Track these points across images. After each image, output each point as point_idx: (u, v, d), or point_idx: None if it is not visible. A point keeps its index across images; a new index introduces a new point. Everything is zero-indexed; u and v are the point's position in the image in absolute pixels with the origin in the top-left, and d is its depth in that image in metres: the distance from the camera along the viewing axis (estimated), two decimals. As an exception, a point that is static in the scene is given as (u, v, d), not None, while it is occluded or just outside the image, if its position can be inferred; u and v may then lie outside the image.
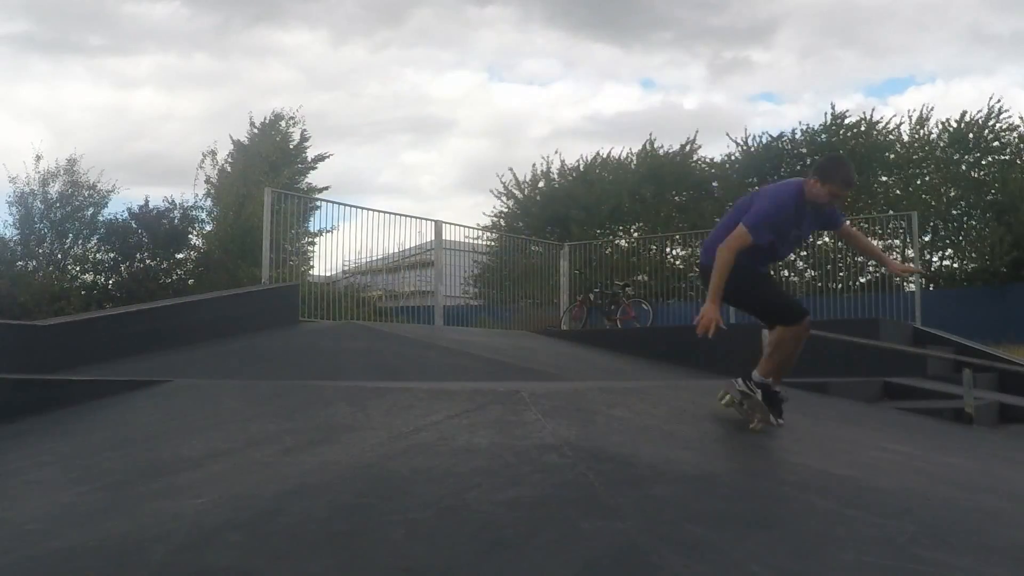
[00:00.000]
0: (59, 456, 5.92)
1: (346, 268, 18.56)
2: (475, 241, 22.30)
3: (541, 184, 41.37)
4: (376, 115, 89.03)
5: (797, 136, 37.69)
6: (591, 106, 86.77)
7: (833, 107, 37.20)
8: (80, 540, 3.85)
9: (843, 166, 6.15)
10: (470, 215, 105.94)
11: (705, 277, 6.28)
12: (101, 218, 29.69)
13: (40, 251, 28.76)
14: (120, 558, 3.57)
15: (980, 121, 34.45)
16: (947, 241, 34.77)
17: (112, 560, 3.56)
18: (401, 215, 17.15)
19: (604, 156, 41.14)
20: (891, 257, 32.20)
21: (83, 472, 5.31)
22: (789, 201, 6.06)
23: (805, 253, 28.26)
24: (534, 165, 42.27)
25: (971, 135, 34.42)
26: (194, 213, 27.41)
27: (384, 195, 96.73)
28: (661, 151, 39.71)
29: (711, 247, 6.20)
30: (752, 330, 7.90)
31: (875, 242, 31.34)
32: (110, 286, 25.31)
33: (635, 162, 39.98)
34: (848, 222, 6.78)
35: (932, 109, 36.28)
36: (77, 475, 5.25)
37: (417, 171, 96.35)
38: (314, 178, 36.26)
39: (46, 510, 4.51)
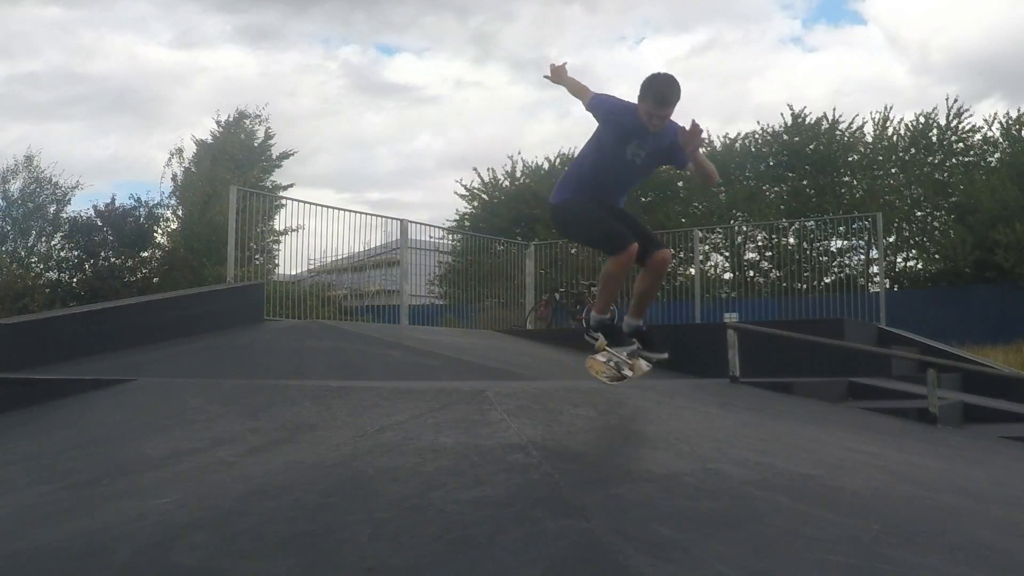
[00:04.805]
0: (22, 456, 5.87)
1: (311, 267, 18.52)
2: (441, 240, 22.28)
3: (506, 184, 41.42)
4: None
5: (758, 137, 37.84)
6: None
7: (791, 107, 37.32)
8: (43, 540, 3.81)
9: (656, 81, 5.86)
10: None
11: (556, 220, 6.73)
12: (64, 215, 29.52)
13: (2, 249, 28.54)
14: (84, 558, 3.55)
15: (942, 123, 34.80)
16: (911, 242, 35.09)
17: (76, 560, 3.54)
18: (367, 214, 17.16)
19: (569, 155, 41.23)
20: (855, 260, 32.63)
21: (46, 472, 5.27)
22: (628, 108, 6.03)
23: (770, 254, 28.49)
24: (492, 170, 42.24)
25: (934, 137, 34.75)
26: (159, 211, 27.29)
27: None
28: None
29: (561, 183, 6.50)
30: (715, 330, 7.93)
31: (839, 242, 31.78)
32: (74, 284, 25.12)
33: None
34: (697, 163, 6.14)
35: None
36: (40, 475, 5.21)
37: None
38: (279, 176, 36.26)
39: (8, 510, 4.47)
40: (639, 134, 5.98)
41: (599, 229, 6.25)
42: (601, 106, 6.06)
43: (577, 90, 6.40)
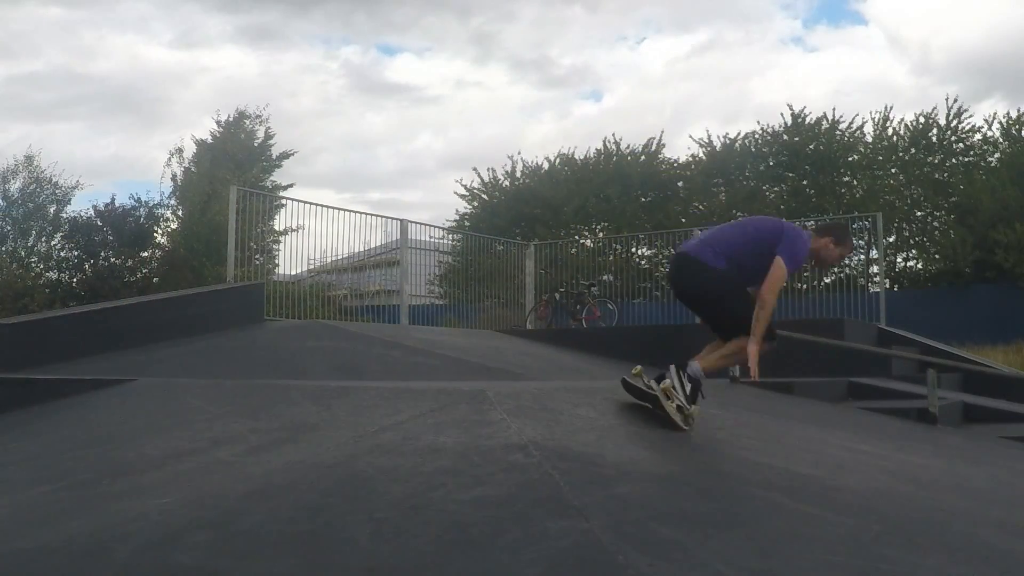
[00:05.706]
0: (22, 456, 5.87)
1: (311, 267, 18.51)
2: (441, 240, 22.27)
3: (506, 184, 41.34)
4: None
5: (758, 137, 37.77)
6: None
7: (791, 107, 37.24)
8: (44, 540, 3.81)
9: (850, 232, 6.27)
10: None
11: (691, 269, 6.25)
12: (64, 215, 29.51)
13: (2, 249, 28.53)
14: (84, 558, 3.54)
15: (942, 123, 34.77)
16: (911, 242, 35.06)
17: (76, 560, 3.53)
18: (367, 214, 17.14)
19: (569, 155, 41.19)
20: (855, 260, 32.62)
21: (46, 472, 5.27)
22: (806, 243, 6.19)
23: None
24: (492, 170, 42.16)
25: (934, 137, 34.71)
26: (159, 211, 27.28)
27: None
28: (627, 150, 39.74)
29: (714, 249, 6.15)
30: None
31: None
32: (74, 284, 25.11)
33: (600, 161, 39.98)
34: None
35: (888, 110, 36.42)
36: (40, 475, 5.21)
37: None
38: (279, 176, 36.26)
39: (9, 510, 4.47)
40: None
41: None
42: (801, 261, 6.30)
43: (770, 301, 6.11)
